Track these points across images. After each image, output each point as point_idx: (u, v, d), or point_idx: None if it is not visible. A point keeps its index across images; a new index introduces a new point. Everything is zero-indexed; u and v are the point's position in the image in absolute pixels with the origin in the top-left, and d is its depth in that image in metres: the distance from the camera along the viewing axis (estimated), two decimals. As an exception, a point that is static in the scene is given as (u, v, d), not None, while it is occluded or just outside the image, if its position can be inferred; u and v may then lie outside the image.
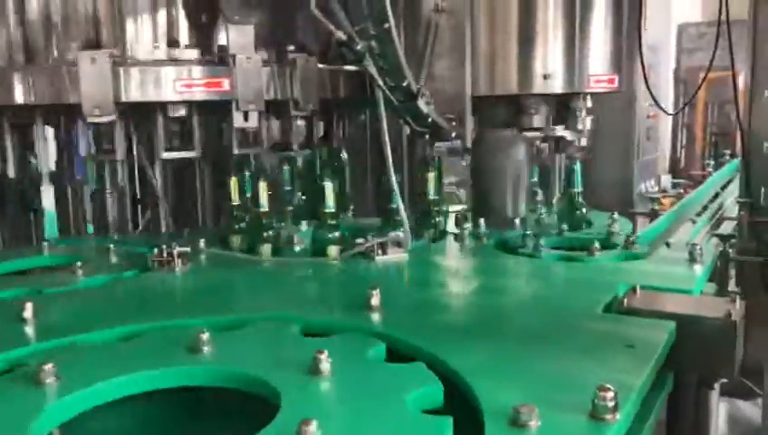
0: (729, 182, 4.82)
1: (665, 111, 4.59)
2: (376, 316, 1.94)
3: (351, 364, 1.54)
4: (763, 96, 3.51)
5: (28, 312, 1.95)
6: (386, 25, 2.38)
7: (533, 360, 1.61)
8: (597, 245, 2.56)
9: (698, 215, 3.65)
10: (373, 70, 2.50)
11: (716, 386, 1.88)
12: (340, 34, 2.37)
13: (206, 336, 1.64)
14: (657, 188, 6.36)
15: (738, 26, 3.64)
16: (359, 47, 2.39)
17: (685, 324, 1.78)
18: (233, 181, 2.92)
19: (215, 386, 1.56)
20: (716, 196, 4.48)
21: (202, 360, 1.60)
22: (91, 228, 3.78)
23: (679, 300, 2.01)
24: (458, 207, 3.45)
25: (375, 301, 1.99)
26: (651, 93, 3.57)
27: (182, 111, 2.84)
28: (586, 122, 3.04)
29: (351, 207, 3.57)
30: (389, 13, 2.37)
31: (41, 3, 2.85)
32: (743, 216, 3.28)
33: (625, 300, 1.96)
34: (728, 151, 6.57)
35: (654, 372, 1.58)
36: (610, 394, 1.30)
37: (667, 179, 10.13)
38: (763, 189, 3.38)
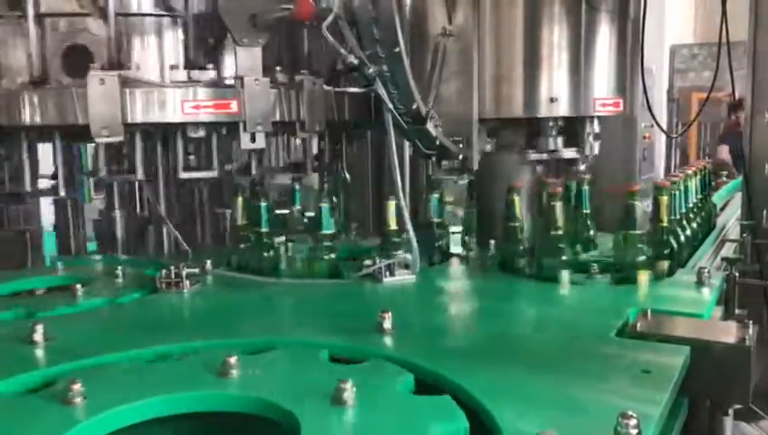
0: (727, 203, 4.84)
1: (668, 134, 4.61)
2: (388, 340, 1.94)
3: (375, 394, 1.53)
4: (764, 117, 3.54)
5: (38, 334, 1.95)
6: (396, 49, 2.40)
7: (550, 385, 1.60)
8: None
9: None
10: (383, 93, 2.50)
11: (731, 411, 1.88)
12: (352, 58, 2.38)
13: (233, 360, 1.63)
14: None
15: (733, 48, 3.67)
16: (370, 71, 2.40)
17: (698, 349, 1.78)
18: (239, 201, 2.92)
19: (237, 412, 1.56)
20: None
21: (224, 385, 1.59)
22: (94, 245, 3.77)
23: (691, 324, 2.01)
24: (458, 228, 3.45)
25: (387, 324, 1.99)
26: (653, 116, 3.60)
27: (201, 132, 2.85)
28: (594, 146, 3.06)
29: (355, 225, 3.58)
30: (400, 37, 2.38)
31: (48, 24, 2.84)
32: (745, 238, 3.29)
33: (638, 324, 1.97)
34: (725, 172, 6.60)
35: (672, 398, 1.58)
36: (633, 422, 1.30)
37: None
38: (765, 211, 3.39)
